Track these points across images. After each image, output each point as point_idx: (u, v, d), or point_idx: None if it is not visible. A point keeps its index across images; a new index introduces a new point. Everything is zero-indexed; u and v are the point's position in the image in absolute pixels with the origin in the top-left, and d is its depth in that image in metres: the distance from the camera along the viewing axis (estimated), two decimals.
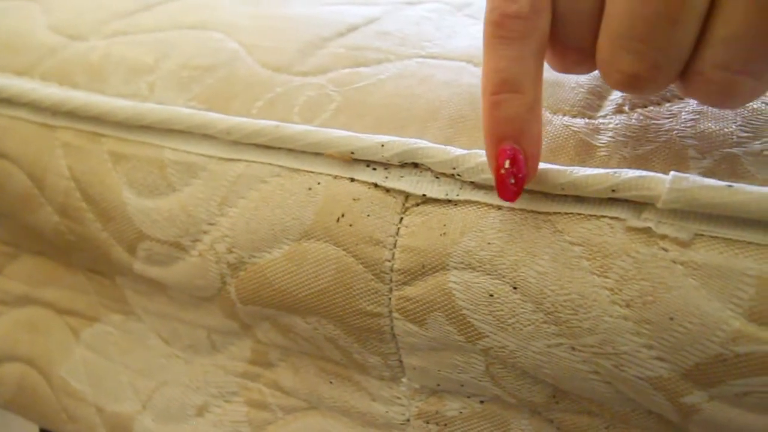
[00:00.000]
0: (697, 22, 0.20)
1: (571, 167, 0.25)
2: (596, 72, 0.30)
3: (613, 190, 0.24)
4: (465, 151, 0.27)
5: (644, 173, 0.24)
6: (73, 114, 0.36)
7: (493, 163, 0.24)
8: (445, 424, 0.32)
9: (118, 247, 0.36)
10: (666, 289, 0.23)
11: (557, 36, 0.24)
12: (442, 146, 0.28)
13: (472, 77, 0.32)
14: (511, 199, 0.24)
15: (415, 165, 0.28)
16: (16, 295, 0.45)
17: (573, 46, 0.24)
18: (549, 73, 0.31)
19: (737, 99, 0.22)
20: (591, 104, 0.29)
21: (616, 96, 0.29)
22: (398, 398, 0.33)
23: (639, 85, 0.22)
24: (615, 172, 0.24)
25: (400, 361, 0.31)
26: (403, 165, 0.28)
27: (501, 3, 0.23)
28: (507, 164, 0.23)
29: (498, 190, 0.24)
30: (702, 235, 0.23)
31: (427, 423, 0.32)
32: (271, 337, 0.34)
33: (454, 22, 0.38)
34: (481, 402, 0.31)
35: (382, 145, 0.28)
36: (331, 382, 0.34)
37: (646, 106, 0.28)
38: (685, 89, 0.23)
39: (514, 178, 0.24)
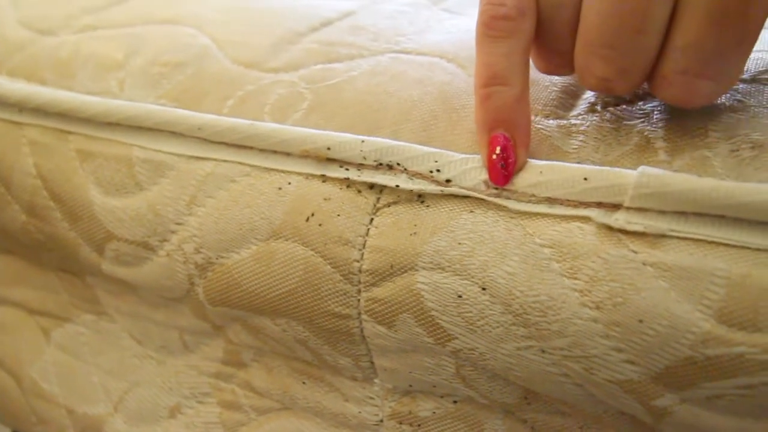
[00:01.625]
0: (659, 32, 0.23)
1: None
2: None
3: (585, 178, 0.24)
4: (443, 150, 0.27)
5: (616, 168, 0.24)
6: (40, 110, 0.35)
7: (485, 150, 0.26)
8: (419, 425, 0.31)
9: (86, 247, 0.35)
10: (635, 290, 0.23)
11: (541, 40, 0.26)
12: (420, 146, 0.27)
13: (445, 74, 0.31)
14: (502, 183, 0.26)
15: (390, 167, 0.27)
16: None
17: (555, 50, 0.26)
18: None
19: (697, 99, 0.24)
20: (564, 103, 0.28)
21: (589, 95, 0.29)
22: (371, 398, 0.32)
23: (611, 86, 0.25)
24: (588, 165, 0.24)
25: (372, 363, 0.31)
26: (377, 167, 0.28)
27: (490, 6, 0.25)
28: (498, 150, 0.26)
29: (489, 175, 0.26)
30: (671, 236, 0.23)
31: (401, 423, 0.32)
32: (242, 339, 0.34)
33: (429, 16, 0.37)
34: (454, 402, 0.30)
35: (362, 141, 0.28)
36: (304, 383, 0.34)
37: (618, 105, 0.28)
38: (652, 90, 0.25)
39: (504, 162, 0.26)
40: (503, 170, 0.26)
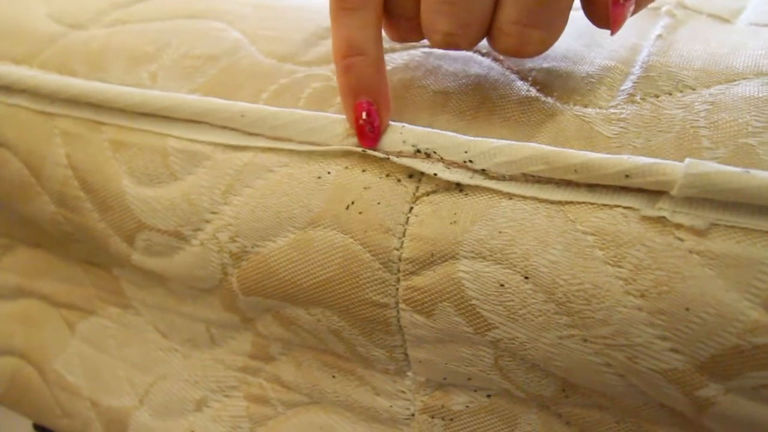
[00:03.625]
0: None
1: (585, 151, 0.25)
2: (606, 63, 0.30)
3: (627, 176, 0.24)
4: (477, 138, 0.26)
5: (659, 160, 0.24)
6: (72, 101, 0.35)
7: (351, 116, 0.28)
8: (451, 419, 0.31)
9: (116, 238, 0.35)
10: (681, 279, 0.23)
11: (390, 9, 0.28)
12: (455, 133, 0.27)
13: (480, 67, 0.31)
14: (371, 145, 0.28)
15: (427, 155, 0.27)
16: (10, 288, 0.45)
17: (402, 16, 0.28)
18: (560, 63, 0.31)
19: (530, 47, 0.27)
20: (602, 94, 0.28)
21: (627, 86, 0.29)
22: (403, 392, 0.32)
23: (455, 41, 0.27)
24: (629, 158, 0.24)
25: (406, 354, 0.30)
26: (415, 153, 0.28)
27: None
28: (364, 116, 0.28)
29: (358, 139, 0.28)
30: (718, 224, 0.23)
31: (433, 417, 0.31)
32: (273, 330, 0.34)
33: None
34: (488, 396, 0.30)
35: (403, 126, 0.28)
36: (333, 377, 0.34)
37: (658, 96, 0.28)
38: (491, 43, 0.28)
39: (370, 126, 0.28)
40: (371, 133, 0.28)
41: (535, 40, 0.26)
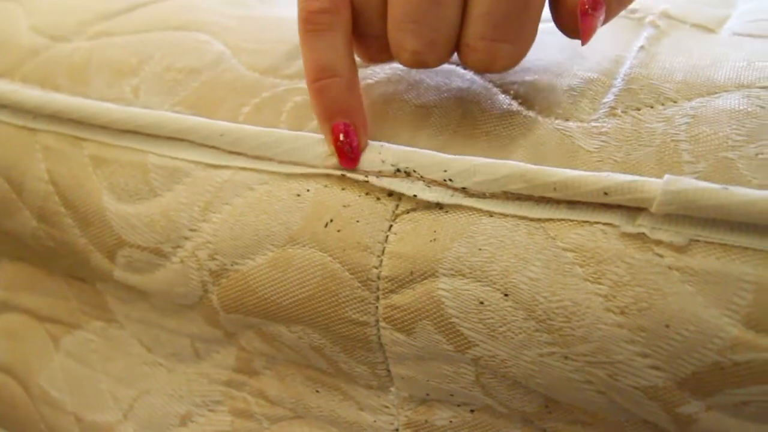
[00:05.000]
0: (456, 4, 0.26)
1: (564, 169, 0.25)
2: (589, 75, 0.30)
3: (606, 193, 0.24)
4: (457, 156, 0.26)
5: (638, 177, 0.24)
6: (55, 117, 0.35)
7: (330, 138, 0.28)
8: None
9: (98, 254, 0.35)
10: (661, 295, 0.23)
11: (358, 29, 0.28)
12: (434, 152, 0.27)
13: (462, 81, 0.31)
14: (351, 165, 0.28)
15: (407, 174, 0.27)
16: None
17: (371, 35, 0.28)
18: (542, 76, 0.30)
19: (499, 62, 0.26)
20: (584, 107, 0.28)
21: (608, 99, 0.28)
22: (386, 407, 0.32)
23: (423, 59, 0.27)
24: (608, 175, 0.24)
25: (388, 371, 0.30)
26: (395, 173, 0.27)
27: (307, 3, 0.27)
28: (342, 137, 0.28)
29: (339, 159, 0.28)
30: (698, 240, 0.23)
31: None
32: (256, 346, 0.34)
33: None
34: (472, 411, 0.30)
35: (382, 146, 0.28)
36: (317, 391, 0.33)
37: (639, 109, 0.28)
38: (461, 58, 0.27)
39: (349, 147, 0.28)
40: (350, 153, 0.28)
41: (504, 54, 0.26)
